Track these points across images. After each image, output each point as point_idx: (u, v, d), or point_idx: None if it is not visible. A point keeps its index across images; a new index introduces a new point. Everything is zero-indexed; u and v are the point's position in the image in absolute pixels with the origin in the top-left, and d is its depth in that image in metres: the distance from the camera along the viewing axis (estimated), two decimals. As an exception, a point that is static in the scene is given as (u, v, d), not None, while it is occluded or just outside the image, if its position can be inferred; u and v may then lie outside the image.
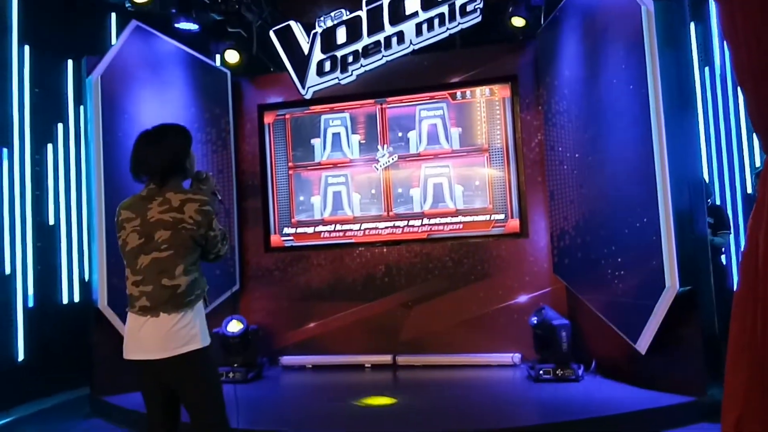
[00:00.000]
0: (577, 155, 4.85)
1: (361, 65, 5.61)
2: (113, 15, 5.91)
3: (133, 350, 2.24)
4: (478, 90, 5.73)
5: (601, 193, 4.52)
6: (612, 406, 3.85)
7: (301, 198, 6.10)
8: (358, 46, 5.59)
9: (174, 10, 5.49)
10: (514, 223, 5.56)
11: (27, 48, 5.27)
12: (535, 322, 4.85)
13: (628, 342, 4.14)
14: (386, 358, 5.56)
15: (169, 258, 2.21)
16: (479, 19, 5.26)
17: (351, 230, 5.93)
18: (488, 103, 5.70)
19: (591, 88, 4.62)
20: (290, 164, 6.13)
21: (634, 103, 4.11)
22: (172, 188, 2.27)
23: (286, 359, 5.78)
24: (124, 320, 4.89)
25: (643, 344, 3.99)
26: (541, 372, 4.63)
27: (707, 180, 5.01)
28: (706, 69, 5.32)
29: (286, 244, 6.09)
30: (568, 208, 5.00)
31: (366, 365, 5.60)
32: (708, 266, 4.03)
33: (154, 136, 2.34)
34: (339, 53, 5.64)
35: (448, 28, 5.34)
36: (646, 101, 3.95)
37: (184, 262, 2.23)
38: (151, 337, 2.18)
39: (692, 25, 4.51)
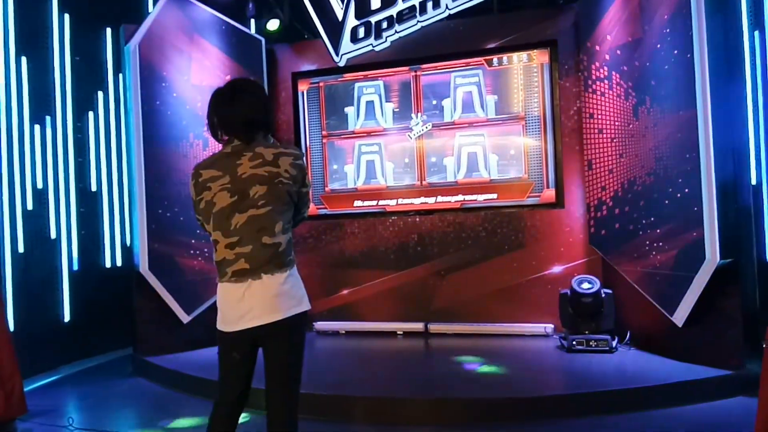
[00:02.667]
0: (617, 123, 4.73)
1: (396, 31, 5.54)
2: (149, -18, 5.94)
3: (236, 320, 2.07)
4: (515, 56, 5.60)
5: (642, 163, 4.42)
6: (646, 378, 3.82)
7: (335, 167, 6.11)
8: (393, 11, 5.51)
9: (209, -23, 5.49)
10: (550, 193, 5.49)
11: (67, 17, 5.34)
12: (569, 292, 4.82)
13: (665, 314, 4.08)
14: (418, 326, 5.62)
15: (267, 215, 2.06)
16: (518, -18, 5.12)
17: (384, 199, 5.94)
18: (526, 70, 5.58)
19: (633, 54, 4.48)
20: (324, 132, 6.14)
21: (678, 69, 3.97)
22: (259, 143, 2.12)
23: (320, 325, 5.89)
24: (164, 284, 5.06)
25: (680, 316, 3.94)
26: (573, 342, 4.62)
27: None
28: (756, 33, 5.08)
29: (320, 212, 6.14)
30: (606, 178, 4.90)
31: (398, 332, 5.67)
32: (751, 238, 3.93)
33: (234, 92, 2.15)
34: (373, 19, 5.57)
35: (485, -8, 5.21)
36: (691, 68, 3.82)
37: (282, 219, 2.09)
38: (259, 301, 2.03)
39: (743, -13, 4.30)
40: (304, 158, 2.20)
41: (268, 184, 2.06)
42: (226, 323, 2.12)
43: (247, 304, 2.04)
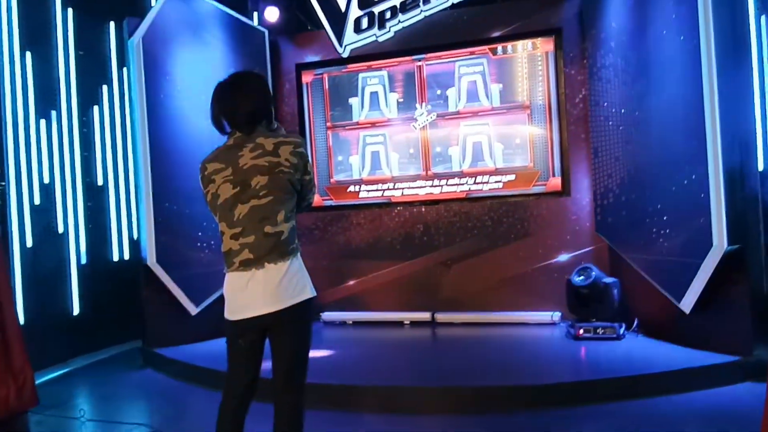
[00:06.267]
0: (623, 111, 4.71)
1: (399, 21, 5.53)
2: (152, -25, 5.92)
3: (241, 309, 2.11)
4: (519, 44, 5.57)
5: (648, 150, 4.40)
6: (654, 364, 3.83)
7: (340, 158, 6.12)
8: (396, 1, 5.49)
9: (211, -31, 5.47)
10: (556, 182, 5.48)
11: (70, 11, 5.34)
12: (576, 280, 4.82)
13: (672, 301, 4.08)
14: (425, 316, 5.63)
15: (269, 204, 2.09)
16: (522, -30, 5.08)
17: (389, 189, 5.94)
18: (530, 58, 5.55)
19: (639, 41, 4.44)
20: (328, 124, 6.13)
21: (684, 55, 3.94)
22: (260, 133, 2.16)
23: (327, 315, 5.92)
24: (173, 277, 5.08)
25: (687, 303, 3.93)
26: (581, 330, 4.63)
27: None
28: (763, 18, 5.03)
29: (326, 204, 6.15)
30: (612, 166, 4.89)
31: (405, 322, 5.68)
32: (759, 225, 3.91)
33: (237, 84, 2.20)
34: (376, 9, 5.57)
35: (489, -20, 5.18)
36: (697, 53, 3.77)
37: (284, 208, 2.12)
38: (261, 291, 2.06)
39: (749, -29, 4.26)
40: (306, 146, 2.18)
41: (269, 174, 2.10)
42: (231, 312, 2.16)
43: (250, 293, 2.08)
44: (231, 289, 2.16)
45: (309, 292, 2.17)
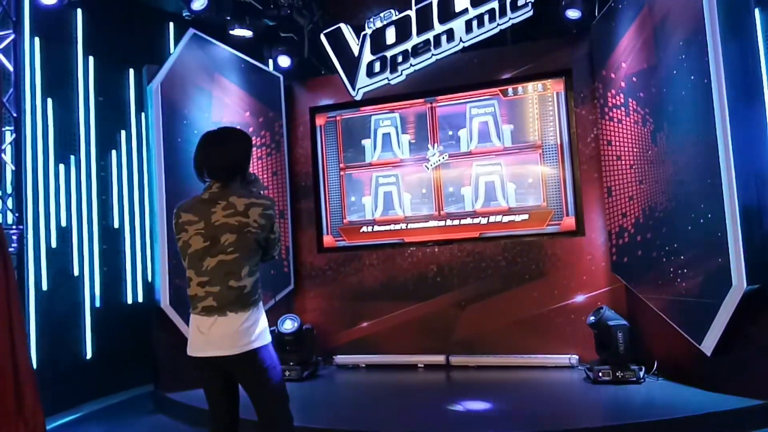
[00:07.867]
0: (635, 150, 4.70)
1: (411, 65, 5.61)
2: (171, 24, 6.11)
3: (201, 347, 2.30)
4: (530, 85, 5.63)
5: (662, 189, 4.37)
6: (675, 409, 3.72)
7: (353, 198, 6.14)
8: (408, 45, 5.59)
9: (229, 18, 5.63)
10: (570, 221, 5.44)
11: (91, 59, 5.51)
12: (594, 322, 4.72)
13: (693, 343, 3.98)
14: (439, 359, 5.53)
15: (235, 260, 2.27)
16: (531, 13, 5.17)
17: (402, 230, 5.94)
18: (541, 99, 5.59)
19: (650, 81, 4.47)
20: (341, 165, 6.19)
21: (696, 94, 3.95)
22: (234, 192, 2.33)
23: (340, 358, 5.84)
24: (185, 319, 5.02)
25: (708, 345, 3.83)
26: (599, 374, 4.51)
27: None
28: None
29: (339, 245, 6.15)
30: (626, 205, 4.85)
31: (419, 365, 5.59)
32: (779, 263, 3.83)
33: (218, 138, 2.40)
34: (388, 53, 5.66)
35: (498, 24, 5.28)
36: (709, 93, 3.79)
37: (248, 264, 2.30)
38: (220, 335, 2.25)
39: (757, 12, 4.29)
40: (275, 208, 2.43)
41: (237, 233, 2.28)
42: (192, 349, 2.35)
43: (212, 336, 2.27)
44: (194, 329, 2.34)
45: (262, 340, 2.31)
